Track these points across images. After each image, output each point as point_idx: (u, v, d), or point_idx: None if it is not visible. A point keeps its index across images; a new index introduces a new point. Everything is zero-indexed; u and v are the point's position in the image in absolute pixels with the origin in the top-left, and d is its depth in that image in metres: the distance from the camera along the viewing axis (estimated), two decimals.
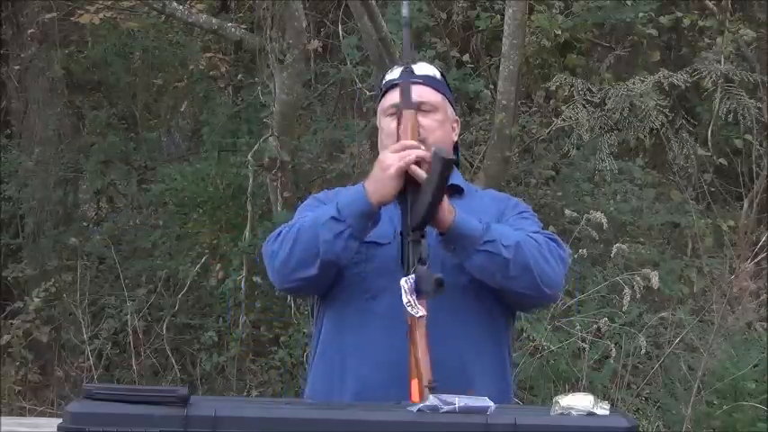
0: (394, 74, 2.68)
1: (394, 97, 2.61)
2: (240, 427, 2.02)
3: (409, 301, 2.35)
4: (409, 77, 2.59)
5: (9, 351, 6.86)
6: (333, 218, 2.43)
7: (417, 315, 2.35)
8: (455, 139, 2.71)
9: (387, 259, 2.49)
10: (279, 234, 2.53)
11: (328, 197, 2.65)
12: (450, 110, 2.69)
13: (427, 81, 2.65)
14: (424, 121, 2.58)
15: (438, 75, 2.69)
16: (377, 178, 2.44)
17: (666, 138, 6.67)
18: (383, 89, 2.69)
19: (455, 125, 2.70)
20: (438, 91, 2.66)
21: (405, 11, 2.63)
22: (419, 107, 2.58)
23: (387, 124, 2.63)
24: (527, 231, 2.52)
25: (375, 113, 2.78)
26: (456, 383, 2.33)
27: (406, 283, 2.36)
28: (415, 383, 2.33)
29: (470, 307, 2.53)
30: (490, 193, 2.81)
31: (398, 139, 2.50)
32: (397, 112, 2.57)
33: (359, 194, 2.45)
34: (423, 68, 2.67)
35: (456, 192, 2.62)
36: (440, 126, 2.62)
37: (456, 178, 2.65)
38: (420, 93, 2.60)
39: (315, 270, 2.46)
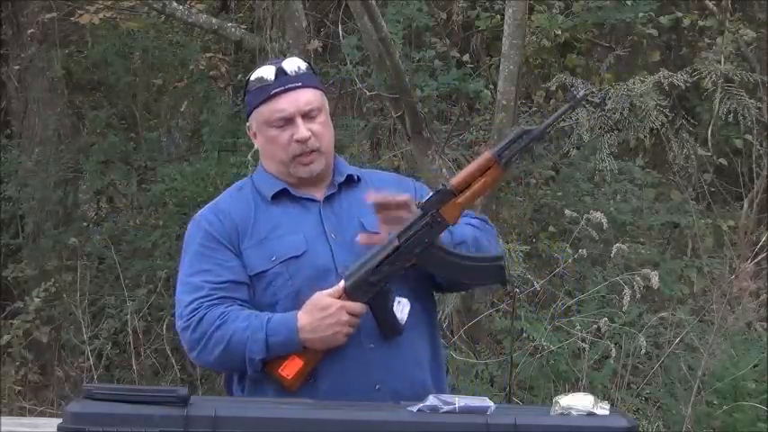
0: (265, 72, 2.60)
1: (282, 107, 2.56)
2: (240, 427, 2.02)
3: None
4: (287, 83, 2.57)
5: (9, 351, 6.85)
6: (262, 360, 2.45)
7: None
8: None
9: (311, 265, 2.51)
10: (192, 317, 2.64)
11: (219, 230, 2.62)
12: (326, 102, 2.66)
13: (304, 81, 2.60)
14: (314, 127, 2.57)
15: (305, 67, 2.62)
16: (321, 332, 2.44)
17: (666, 138, 6.65)
18: (264, 96, 2.58)
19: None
20: (316, 88, 2.63)
21: None
22: (307, 114, 2.57)
23: (276, 134, 2.58)
24: (470, 220, 2.59)
25: (289, 114, 2.59)
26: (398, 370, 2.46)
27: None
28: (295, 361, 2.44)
29: (409, 289, 2.53)
30: (383, 176, 2.78)
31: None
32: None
33: (292, 339, 2.46)
34: (291, 64, 2.61)
35: (351, 181, 2.63)
36: (326, 127, 2.61)
37: (349, 168, 2.67)
38: (307, 100, 2.58)
39: (243, 370, 2.52)
